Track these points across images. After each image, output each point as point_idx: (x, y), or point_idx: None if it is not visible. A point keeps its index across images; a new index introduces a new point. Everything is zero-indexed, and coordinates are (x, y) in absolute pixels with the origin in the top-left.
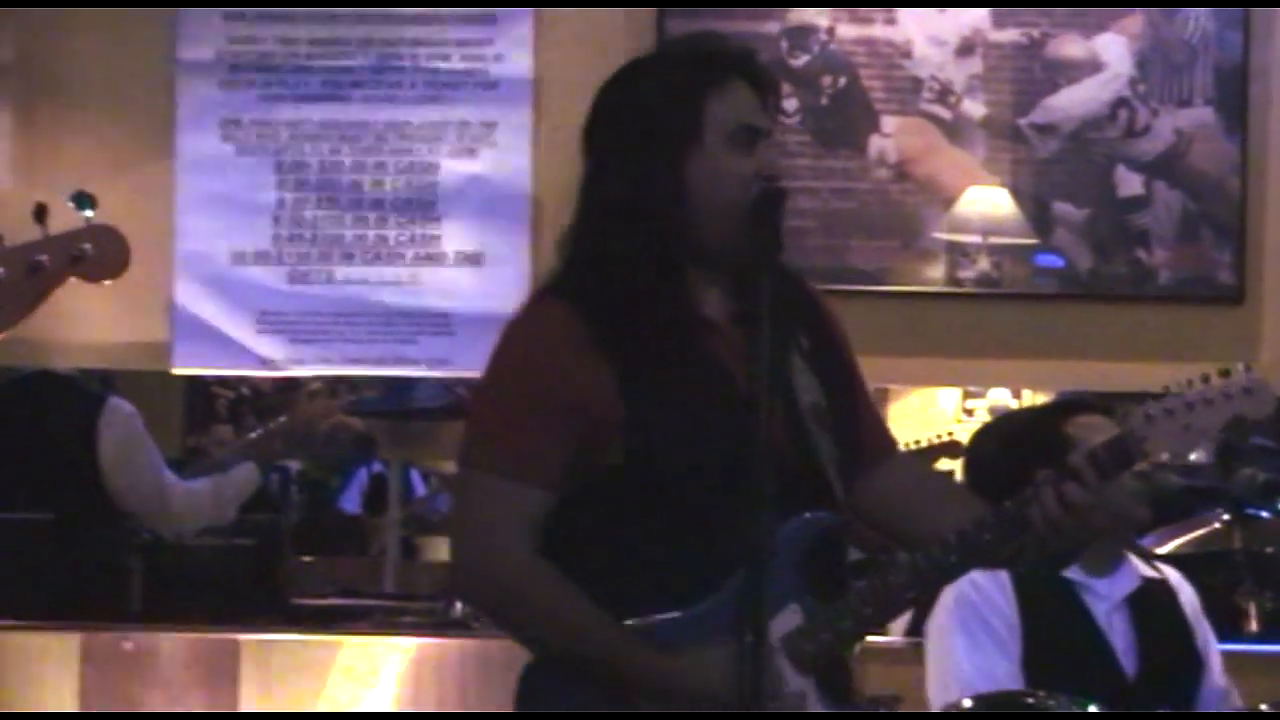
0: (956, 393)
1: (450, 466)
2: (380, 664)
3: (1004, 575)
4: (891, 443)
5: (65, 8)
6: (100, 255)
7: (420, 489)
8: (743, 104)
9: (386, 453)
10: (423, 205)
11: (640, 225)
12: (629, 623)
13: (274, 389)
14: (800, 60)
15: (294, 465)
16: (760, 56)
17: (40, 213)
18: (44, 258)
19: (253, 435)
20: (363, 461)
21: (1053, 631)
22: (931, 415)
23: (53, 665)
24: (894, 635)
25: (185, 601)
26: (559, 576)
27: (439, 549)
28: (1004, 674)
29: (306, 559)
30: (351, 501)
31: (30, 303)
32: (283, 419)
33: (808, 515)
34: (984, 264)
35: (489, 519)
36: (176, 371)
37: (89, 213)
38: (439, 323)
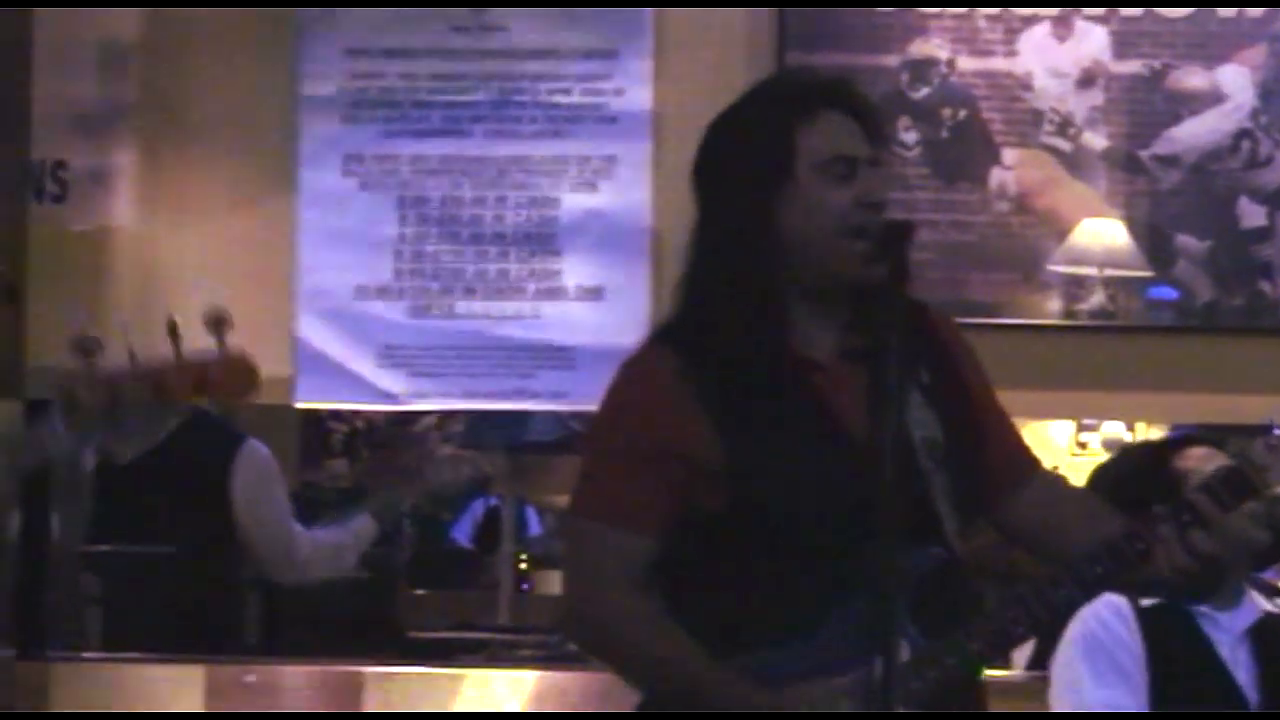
0: (1070, 425)
1: (564, 500)
2: (501, 697)
3: (1127, 609)
4: (1032, 463)
5: (190, 44)
6: (227, 382)
7: (535, 522)
8: (836, 134)
9: (501, 487)
10: (543, 239)
11: (737, 267)
12: (736, 662)
13: (388, 422)
14: (920, 93)
15: (406, 499)
16: (878, 88)
17: (173, 330)
18: (171, 382)
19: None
20: (477, 495)
21: (1177, 664)
22: (1045, 448)
23: (176, 698)
24: (1016, 670)
25: (302, 635)
26: (663, 620)
27: (554, 582)
28: (1129, 706)
29: (421, 592)
30: (466, 535)
31: (155, 426)
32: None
33: (917, 551)
34: (1099, 296)
35: (594, 566)
36: (299, 406)
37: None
38: (559, 357)
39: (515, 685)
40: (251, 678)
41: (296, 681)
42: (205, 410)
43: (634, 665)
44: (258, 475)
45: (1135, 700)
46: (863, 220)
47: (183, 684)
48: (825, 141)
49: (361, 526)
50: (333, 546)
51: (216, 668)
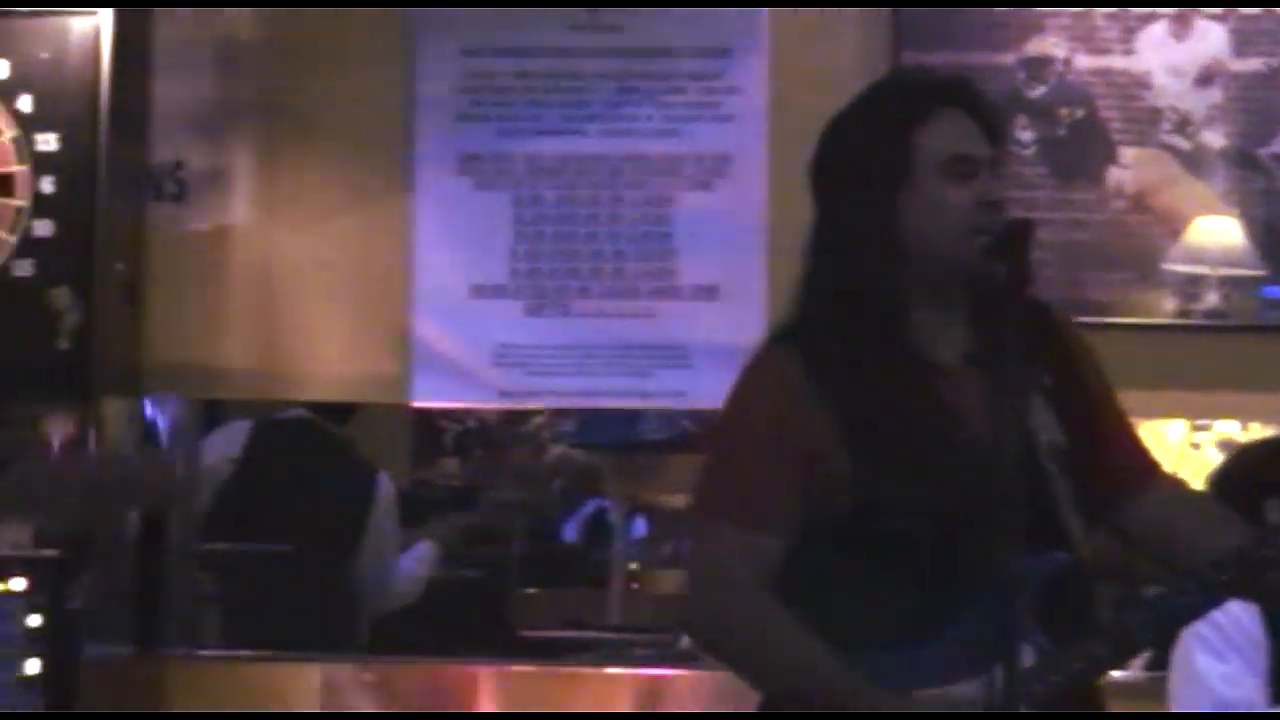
0: (1184, 425)
1: (674, 499)
2: (616, 696)
3: (1253, 606)
4: (1153, 468)
5: (306, 45)
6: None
7: (645, 522)
8: (955, 133)
9: (611, 486)
10: (658, 238)
11: (858, 267)
12: (857, 664)
13: (500, 421)
14: (1037, 91)
15: (516, 498)
16: (995, 87)
17: None
18: None
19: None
20: (588, 495)
21: None
22: (1158, 447)
23: (294, 697)
24: (1135, 670)
25: (413, 634)
26: (790, 620)
27: (664, 582)
28: (1250, 688)
29: (532, 592)
30: (577, 534)
31: None
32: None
33: (1041, 556)
34: (1214, 296)
35: (719, 566)
36: (415, 404)
37: None
38: (676, 355)
39: (630, 684)
40: (369, 676)
41: (412, 680)
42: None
43: (758, 666)
44: (386, 511)
45: (1255, 681)
46: (983, 219)
47: (299, 682)
48: (945, 141)
49: (423, 554)
50: (415, 583)
51: (332, 666)
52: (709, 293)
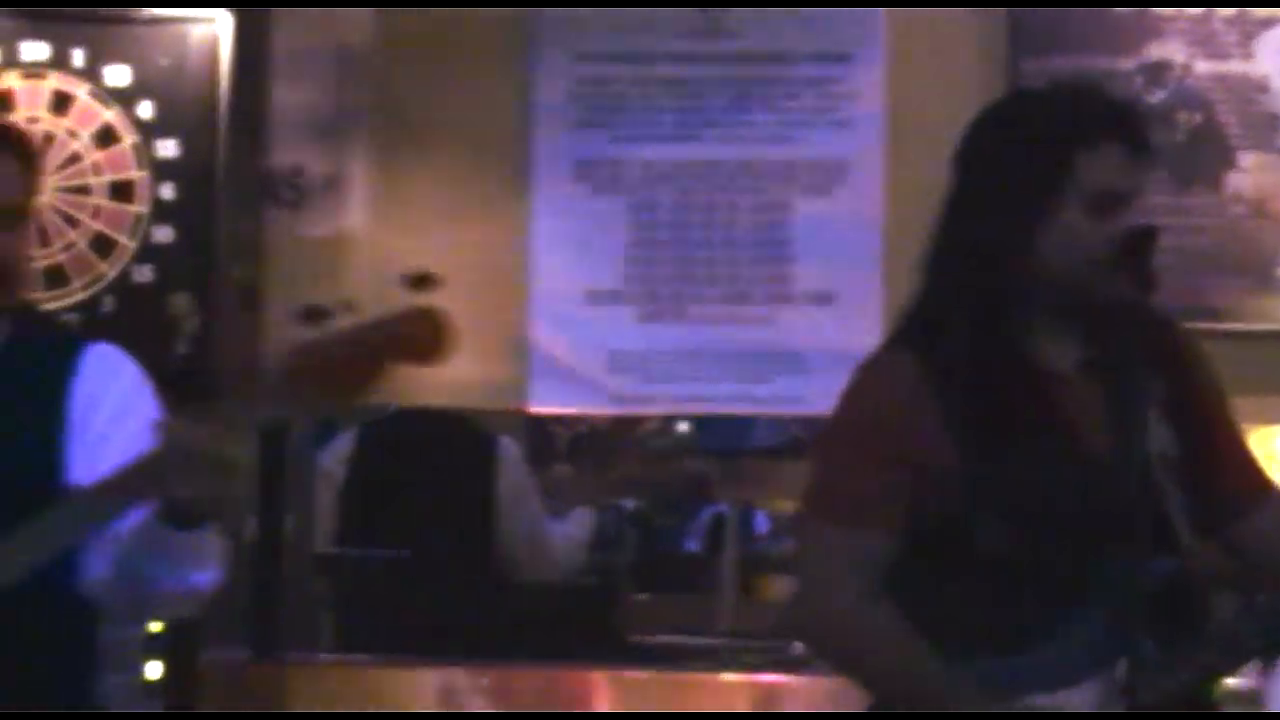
0: None
1: (787, 506)
2: (731, 702)
3: None
4: (1266, 486)
5: (423, 50)
6: (420, 335)
7: (760, 527)
8: (1112, 167)
9: (722, 492)
10: (774, 244)
11: (986, 274)
12: (966, 670)
13: (612, 427)
14: (1156, 96)
15: (628, 504)
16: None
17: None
18: (368, 338)
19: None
20: (700, 500)
21: None
22: (1271, 455)
23: (410, 701)
24: (1246, 677)
25: (524, 638)
26: (898, 623)
27: (775, 588)
28: None
29: (643, 597)
30: (689, 540)
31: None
32: None
33: (1151, 564)
34: None
35: (829, 567)
36: (531, 410)
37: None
38: (791, 361)
39: (743, 690)
40: (485, 681)
41: (529, 685)
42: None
43: (866, 669)
44: (519, 477)
45: None
46: (1116, 254)
47: (416, 687)
48: (1101, 174)
49: (581, 519)
50: (579, 542)
51: (450, 670)
52: (824, 298)
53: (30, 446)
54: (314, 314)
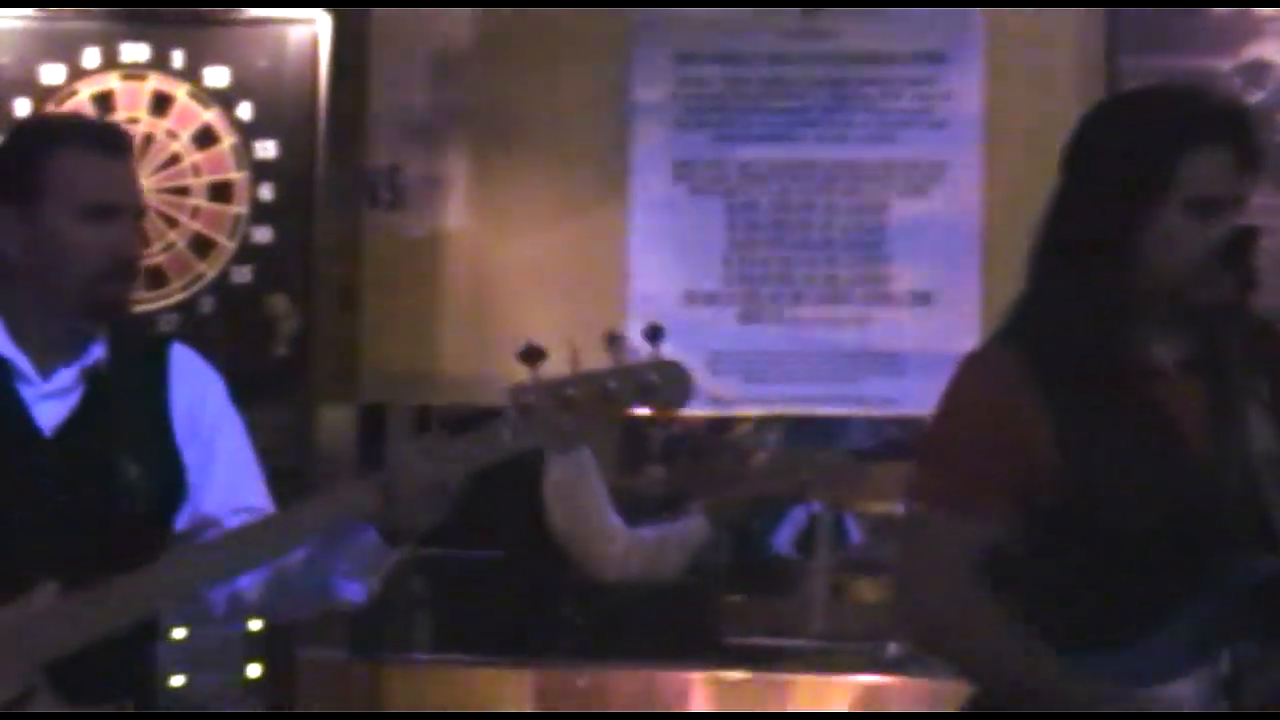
0: None
1: (879, 507)
2: (828, 703)
3: None
4: None
5: (522, 51)
6: (666, 388)
7: (852, 530)
8: (1216, 173)
9: (816, 494)
10: (872, 245)
11: (1090, 272)
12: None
13: (706, 428)
14: (1255, 97)
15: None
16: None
17: (613, 340)
18: (615, 387)
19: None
20: (793, 502)
21: None
22: None
23: (507, 702)
24: None
25: (619, 639)
26: (1002, 613)
27: (868, 590)
28: None
29: (735, 599)
30: (781, 542)
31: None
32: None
33: (1253, 562)
34: None
35: (935, 554)
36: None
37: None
38: (888, 363)
39: (841, 691)
40: (583, 681)
41: (625, 685)
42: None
43: (975, 659)
44: (572, 473)
45: None
46: (1217, 257)
47: (512, 687)
48: (1205, 178)
49: (692, 526)
50: (655, 544)
51: (546, 671)
52: (923, 299)
53: (147, 455)
54: (531, 354)
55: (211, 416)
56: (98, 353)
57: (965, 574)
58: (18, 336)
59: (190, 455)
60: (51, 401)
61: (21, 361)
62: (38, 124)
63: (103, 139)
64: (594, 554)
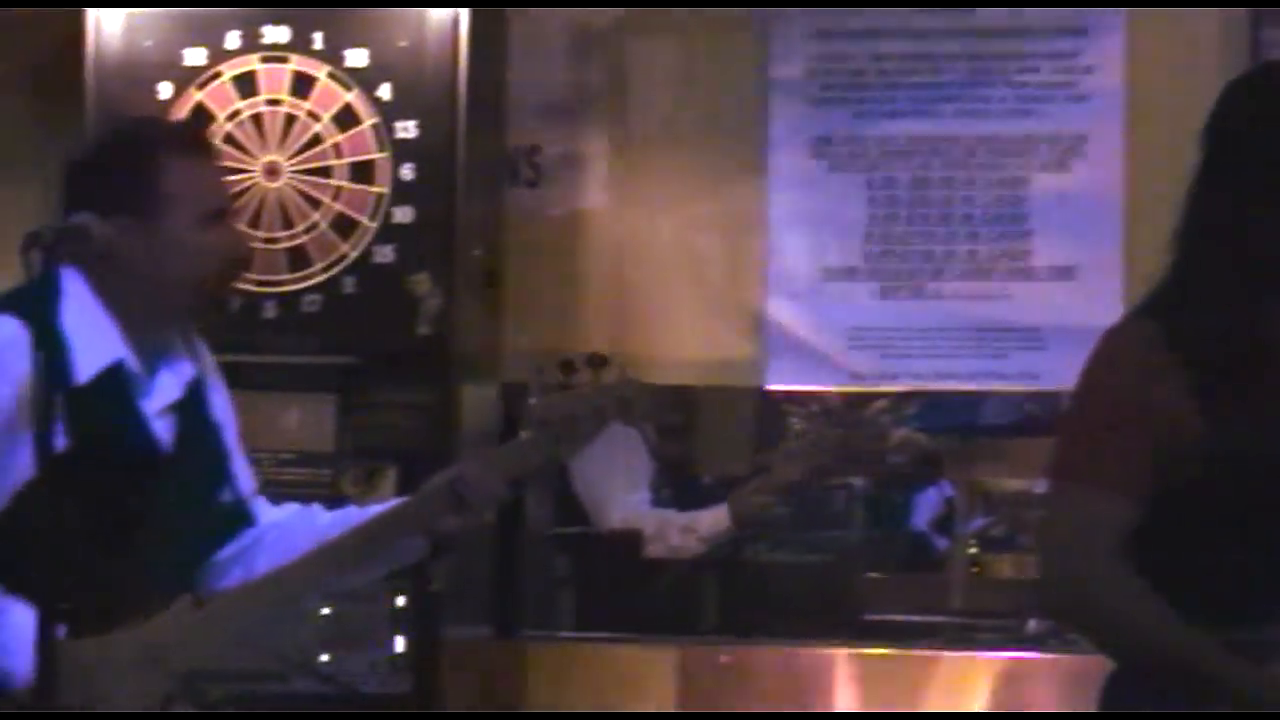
0: None
1: (1017, 484)
2: (969, 679)
3: None
4: None
5: (659, 28)
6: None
7: (991, 506)
8: None
9: (953, 471)
10: (1013, 219)
11: (1233, 245)
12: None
13: (842, 405)
14: None
15: (858, 482)
16: None
17: (597, 360)
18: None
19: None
20: (929, 479)
21: None
22: None
23: (649, 679)
24: None
25: (758, 616)
26: (1144, 585)
27: (1005, 567)
28: None
29: (874, 576)
30: (919, 519)
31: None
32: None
33: None
34: None
35: (1078, 528)
36: (769, 387)
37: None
38: (1030, 338)
39: (982, 668)
40: (725, 658)
41: (767, 662)
42: None
43: (1117, 631)
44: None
45: None
46: None
47: (654, 665)
48: None
49: (711, 517)
50: (655, 523)
51: (688, 649)
52: (1065, 274)
53: (214, 452)
54: (567, 366)
55: (229, 406)
56: (189, 363)
57: (1106, 547)
58: (129, 339)
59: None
60: (162, 417)
61: (132, 363)
62: (142, 131)
63: (207, 145)
64: (601, 522)
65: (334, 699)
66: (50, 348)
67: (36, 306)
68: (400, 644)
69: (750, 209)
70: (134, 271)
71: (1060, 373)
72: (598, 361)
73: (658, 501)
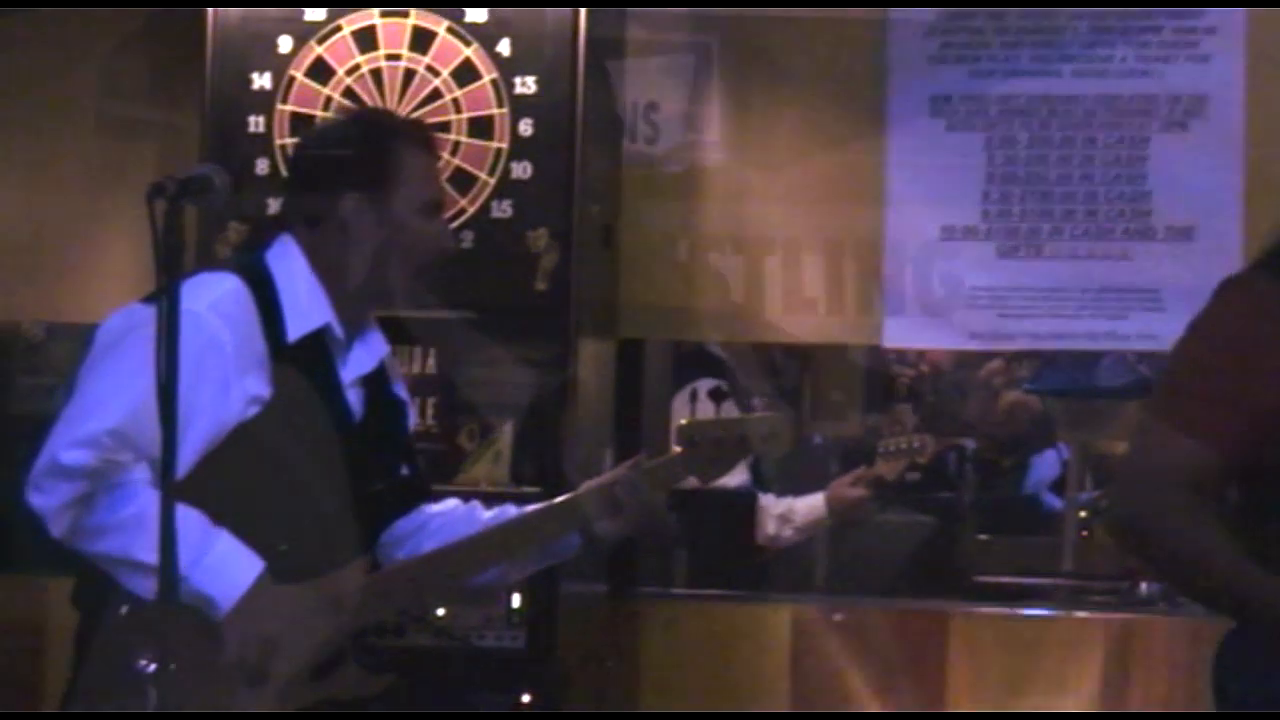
0: None
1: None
2: (1081, 640)
3: None
4: None
5: None
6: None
7: (1099, 469)
8: None
9: (1065, 433)
10: (1132, 179)
11: None
12: None
13: (953, 366)
14: None
15: (970, 444)
16: None
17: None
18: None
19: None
20: (1042, 442)
21: None
22: None
23: (763, 637)
24: None
25: (867, 575)
26: (1207, 517)
27: None
28: None
29: (984, 538)
30: (1032, 483)
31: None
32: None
33: None
34: None
35: (1155, 463)
36: (887, 346)
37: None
38: (1149, 298)
39: (1094, 629)
40: (838, 616)
41: (880, 621)
42: None
43: (1185, 566)
44: None
45: None
46: None
47: (768, 623)
48: None
49: (807, 507)
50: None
51: (802, 606)
52: (1184, 234)
53: (396, 427)
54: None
55: (404, 385)
56: (382, 340)
57: (1174, 481)
58: (336, 310)
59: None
60: (355, 388)
61: (337, 331)
62: (382, 119)
63: (432, 141)
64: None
65: (450, 653)
66: (266, 305)
67: (255, 268)
68: (517, 600)
69: (868, 167)
70: (355, 246)
71: (1178, 334)
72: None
73: (759, 473)
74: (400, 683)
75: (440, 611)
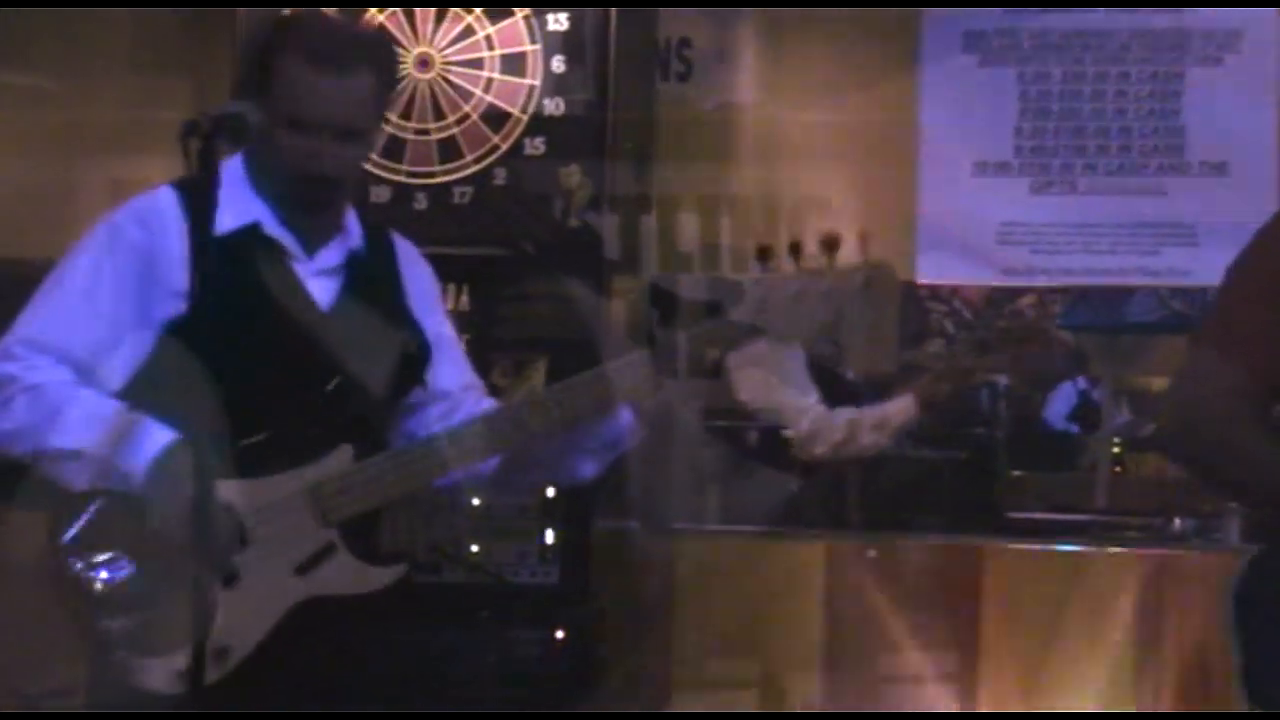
0: None
1: (1161, 383)
2: (1113, 575)
3: None
4: None
5: None
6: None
7: (1131, 405)
8: None
9: (1098, 368)
10: (1166, 114)
11: None
12: None
13: (986, 302)
14: None
15: (1002, 380)
16: None
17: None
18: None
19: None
20: (1073, 377)
21: None
22: None
23: (799, 572)
24: None
25: (902, 512)
26: (1255, 425)
27: (1149, 465)
28: None
29: (1017, 473)
30: (1055, 416)
31: None
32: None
33: None
34: None
35: (1204, 384)
36: (921, 281)
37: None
38: (1182, 233)
39: (1127, 564)
40: (872, 553)
41: (914, 557)
42: None
43: (1235, 471)
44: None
45: None
46: None
47: (804, 558)
48: None
49: (892, 409)
50: (845, 424)
51: (837, 542)
52: (1218, 169)
53: (402, 332)
54: (764, 252)
55: (432, 301)
56: (356, 236)
57: (1232, 403)
58: (283, 218)
59: (436, 350)
60: (321, 279)
61: (290, 242)
62: (282, 24)
63: (328, 56)
64: (783, 427)
65: (484, 589)
66: (201, 206)
67: (205, 175)
68: (550, 536)
69: (901, 103)
70: (255, 151)
71: (1212, 269)
72: (832, 243)
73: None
74: (408, 577)
75: (474, 547)
